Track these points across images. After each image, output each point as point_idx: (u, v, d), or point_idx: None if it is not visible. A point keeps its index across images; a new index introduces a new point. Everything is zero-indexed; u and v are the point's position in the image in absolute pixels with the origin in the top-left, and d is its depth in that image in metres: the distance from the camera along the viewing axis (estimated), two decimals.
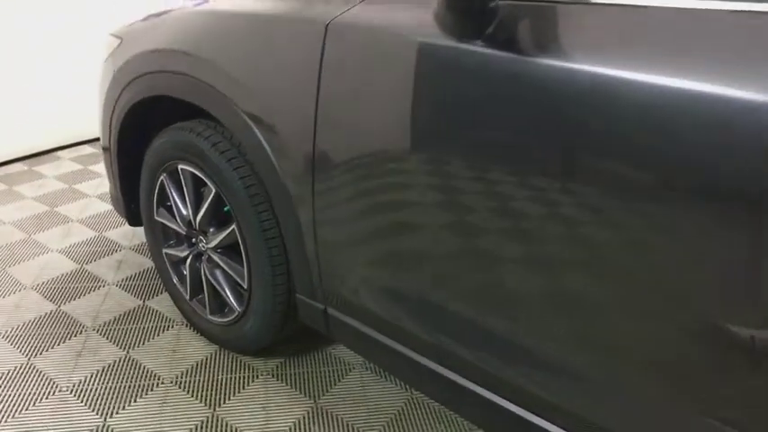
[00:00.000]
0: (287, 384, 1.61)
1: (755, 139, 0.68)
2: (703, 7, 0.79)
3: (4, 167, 3.03)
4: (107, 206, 2.61)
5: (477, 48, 0.93)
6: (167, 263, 1.79)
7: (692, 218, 0.75)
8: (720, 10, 0.77)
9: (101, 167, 3.03)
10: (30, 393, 1.54)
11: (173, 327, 1.83)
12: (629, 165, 0.80)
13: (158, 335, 1.79)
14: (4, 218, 2.50)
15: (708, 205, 0.73)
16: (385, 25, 1.06)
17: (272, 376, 1.64)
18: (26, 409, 1.49)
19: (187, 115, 1.58)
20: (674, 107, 0.74)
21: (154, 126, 1.68)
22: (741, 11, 0.75)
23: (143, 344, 1.75)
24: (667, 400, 0.84)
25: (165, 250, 1.78)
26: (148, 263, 2.16)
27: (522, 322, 0.98)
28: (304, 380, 1.63)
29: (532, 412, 1.03)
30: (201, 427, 1.45)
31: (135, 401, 1.53)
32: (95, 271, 2.12)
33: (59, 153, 3.23)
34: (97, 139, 3.18)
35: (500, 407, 1.06)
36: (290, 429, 1.46)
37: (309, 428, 1.47)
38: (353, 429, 1.46)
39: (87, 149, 3.35)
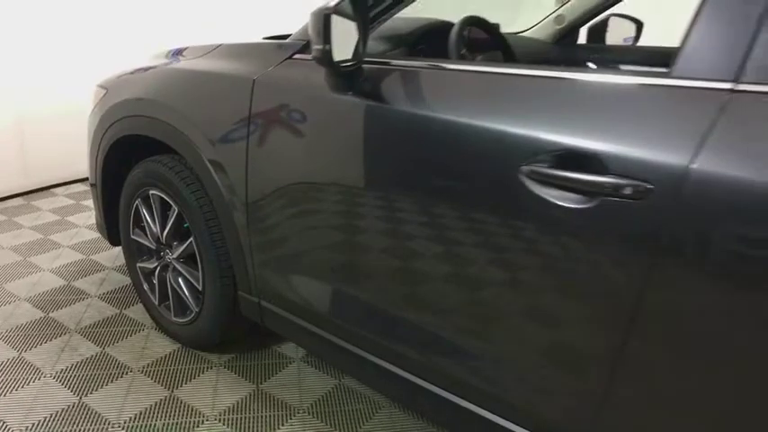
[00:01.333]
0: (236, 373, 1.93)
1: None
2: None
3: (5, 202, 3.39)
4: (94, 234, 2.96)
5: (349, 98, 1.31)
6: (140, 275, 2.13)
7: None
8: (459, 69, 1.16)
9: (90, 202, 3.39)
10: (20, 379, 1.86)
11: (143, 330, 2.16)
12: (439, 173, 1.17)
13: (131, 336, 2.12)
14: (2, 243, 2.84)
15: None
16: (291, 81, 1.44)
17: (224, 367, 1.96)
18: (16, 390, 1.80)
19: (157, 151, 1.95)
20: (464, 140, 1.12)
21: (130, 165, 2.05)
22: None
23: (117, 342, 2.07)
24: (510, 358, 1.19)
25: (138, 264, 2.12)
26: (127, 280, 2.50)
27: (407, 305, 1.33)
28: (250, 370, 1.95)
29: (419, 376, 1.35)
30: (160, 404, 1.77)
31: (107, 385, 1.85)
32: (81, 286, 2.46)
33: (55, 190, 3.60)
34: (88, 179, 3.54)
35: (394, 374, 1.39)
36: (234, 405, 1.78)
37: (250, 405, 1.78)
38: (286, 407, 1.78)
39: (80, 187, 3.72)
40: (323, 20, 1.15)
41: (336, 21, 1.16)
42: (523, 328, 1.15)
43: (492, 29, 1.79)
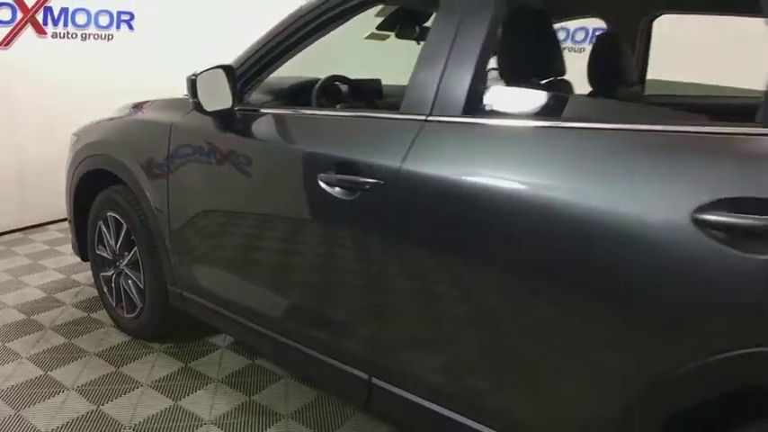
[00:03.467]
0: (172, 357, 2.44)
1: None
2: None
3: (6, 236, 3.98)
4: (77, 260, 3.51)
5: (228, 133, 1.88)
6: (102, 282, 2.67)
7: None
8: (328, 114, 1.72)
9: None
10: (2, 360, 2.38)
11: (104, 327, 2.68)
12: (281, 184, 1.72)
13: (93, 331, 2.64)
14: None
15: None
16: (192, 126, 2.02)
17: (163, 352, 2.47)
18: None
19: (114, 183, 2.51)
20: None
21: (94, 196, 2.61)
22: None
23: (82, 336, 2.60)
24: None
25: (101, 273, 2.67)
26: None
27: (275, 285, 1.85)
28: (184, 353, 2.46)
29: (319, 352, 1.77)
30: (107, 376, 2.28)
31: (68, 364, 2.36)
32: (59, 297, 3.00)
33: (49, 226, 4.19)
34: None
35: (293, 347, 1.87)
36: (168, 375, 2.28)
37: (178, 378, 2.28)
38: (209, 380, 2.28)
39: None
40: (190, 82, 1.73)
41: (203, 81, 1.74)
42: (329, 290, 1.67)
43: (353, 83, 2.38)
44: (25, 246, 3.80)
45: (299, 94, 2.19)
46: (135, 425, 2.00)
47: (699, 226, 1.02)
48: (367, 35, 3.00)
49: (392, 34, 2.29)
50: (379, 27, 2.40)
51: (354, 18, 1.81)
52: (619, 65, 2.16)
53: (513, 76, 1.65)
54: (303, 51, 1.89)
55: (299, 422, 2.03)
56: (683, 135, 1.14)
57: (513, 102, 1.49)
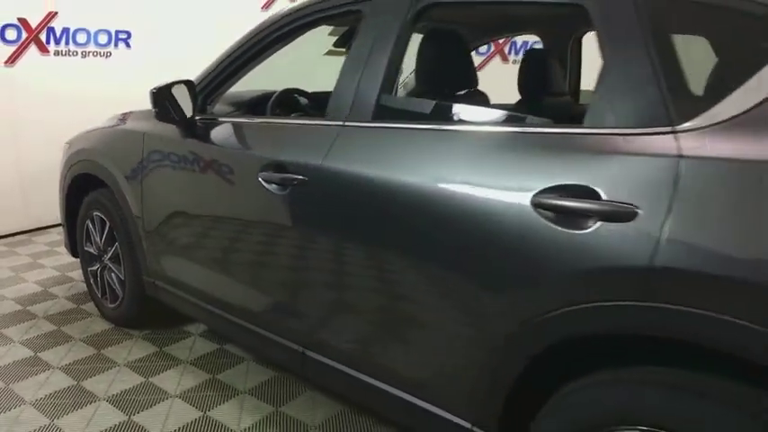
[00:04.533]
0: (148, 342, 2.70)
1: None
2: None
3: (10, 237, 4.29)
4: (73, 259, 3.81)
5: (188, 140, 2.15)
6: (90, 276, 2.95)
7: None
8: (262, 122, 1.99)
9: None
10: None
11: (90, 317, 2.96)
12: (228, 183, 1.99)
13: (81, 320, 2.92)
14: (2, 264, 3.71)
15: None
16: (161, 133, 2.29)
17: (141, 338, 2.74)
18: None
19: (100, 186, 2.79)
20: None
21: (83, 198, 2.90)
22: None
23: (71, 324, 2.87)
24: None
25: (89, 268, 2.95)
26: None
27: (231, 271, 2.12)
28: (159, 339, 2.72)
29: (262, 328, 2.06)
30: (89, 357, 2.55)
31: (55, 347, 2.63)
32: (54, 291, 3.29)
33: (50, 229, 4.49)
34: None
35: (240, 324, 2.13)
36: (144, 357, 2.54)
37: (152, 359, 2.55)
38: (180, 361, 2.54)
39: None
40: (151, 95, 2.01)
41: (164, 93, 2.02)
42: (268, 274, 1.93)
43: (309, 95, 2.65)
44: (27, 246, 4.10)
45: (258, 105, 2.47)
46: (110, 396, 2.26)
47: (535, 207, 1.26)
48: (325, 52, 3.28)
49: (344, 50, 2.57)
50: (335, 45, 2.67)
51: (316, 39, 2.08)
52: (546, 76, 2.41)
53: (429, 88, 1.91)
54: (275, 67, 2.18)
55: (254, 397, 2.28)
56: (529, 135, 1.39)
57: (411, 109, 1.75)
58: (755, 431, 1.02)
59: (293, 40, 2.09)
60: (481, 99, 2.10)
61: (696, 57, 1.35)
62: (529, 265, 1.28)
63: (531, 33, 2.88)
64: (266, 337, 2.00)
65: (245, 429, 2.08)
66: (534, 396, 1.33)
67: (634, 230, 1.12)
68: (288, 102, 2.51)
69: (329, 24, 2.34)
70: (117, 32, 4.63)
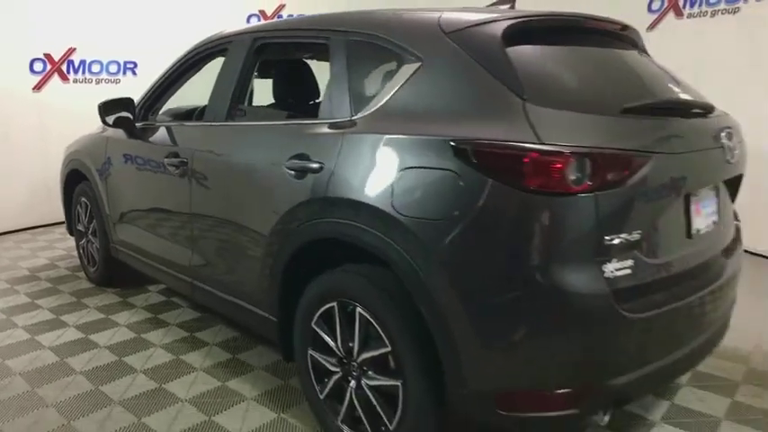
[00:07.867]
0: (116, 295, 3.58)
1: None
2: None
3: (34, 229, 5.32)
4: (72, 254, 4.76)
5: (133, 143, 3.04)
6: (80, 248, 3.88)
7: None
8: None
9: (72, 240, 5.21)
10: (3, 327, 3.60)
11: (80, 280, 3.87)
12: (159, 171, 2.87)
13: (73, 282, 3.83)
14: (8, 255, 4.69)
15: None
16: (116, 136, 3.19)
17: (111, 293, 3.62)
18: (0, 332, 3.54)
19: (86, 178, 3.72)
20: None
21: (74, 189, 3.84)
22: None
23: (64, 284, 3.79)
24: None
25: (79, 243, 3.88)
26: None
27: (166, 237, 2.99)
28: (125, 293, 3.60)
29: (169, 268, 2.94)
30: (70, 304, 3.44)
31: (48, 298, 3.55)
32: (58, 263, 4.24)
33: (53, 227, 5.51)
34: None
35: (157, 267, 3.01)
36: (110, 304, 3.42)
37: (116, 306, 3.42)
38: (134, 307, 3.40)
39: None
40: (98, 107, 2.92)
41: (108, 106, 2.92)
42: (172, 230, 2.78)
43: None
44: (46, 235, 5.12)
45: (190, 114, 3.34)
46: (79, 325, 3.14)
47: (286, 168, 2.06)
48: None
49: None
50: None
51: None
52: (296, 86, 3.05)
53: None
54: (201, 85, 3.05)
55: (182, 329, 3.11)
56: (284, 125, 2.23)
57: (234, 112, 2.55)
58: (384, 294, 1.79)
59: (200, 68, 2.96)
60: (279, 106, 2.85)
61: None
62: (283, 200, 2.08)
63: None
64: (174, 276, 2.83)
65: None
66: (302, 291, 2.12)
67: (321, 177, 1.91)
68: (194, 111, 3.37)
69: (218, 56, 3.15)
70: (125, 63, 5.67)
